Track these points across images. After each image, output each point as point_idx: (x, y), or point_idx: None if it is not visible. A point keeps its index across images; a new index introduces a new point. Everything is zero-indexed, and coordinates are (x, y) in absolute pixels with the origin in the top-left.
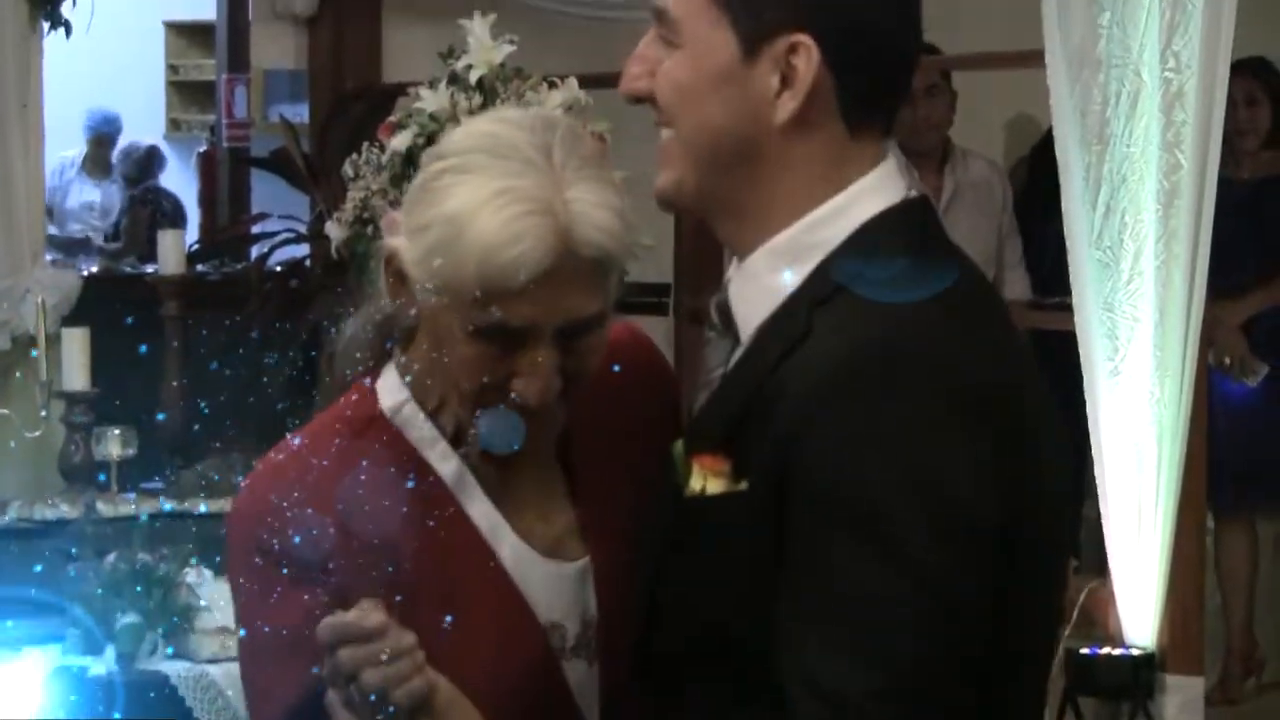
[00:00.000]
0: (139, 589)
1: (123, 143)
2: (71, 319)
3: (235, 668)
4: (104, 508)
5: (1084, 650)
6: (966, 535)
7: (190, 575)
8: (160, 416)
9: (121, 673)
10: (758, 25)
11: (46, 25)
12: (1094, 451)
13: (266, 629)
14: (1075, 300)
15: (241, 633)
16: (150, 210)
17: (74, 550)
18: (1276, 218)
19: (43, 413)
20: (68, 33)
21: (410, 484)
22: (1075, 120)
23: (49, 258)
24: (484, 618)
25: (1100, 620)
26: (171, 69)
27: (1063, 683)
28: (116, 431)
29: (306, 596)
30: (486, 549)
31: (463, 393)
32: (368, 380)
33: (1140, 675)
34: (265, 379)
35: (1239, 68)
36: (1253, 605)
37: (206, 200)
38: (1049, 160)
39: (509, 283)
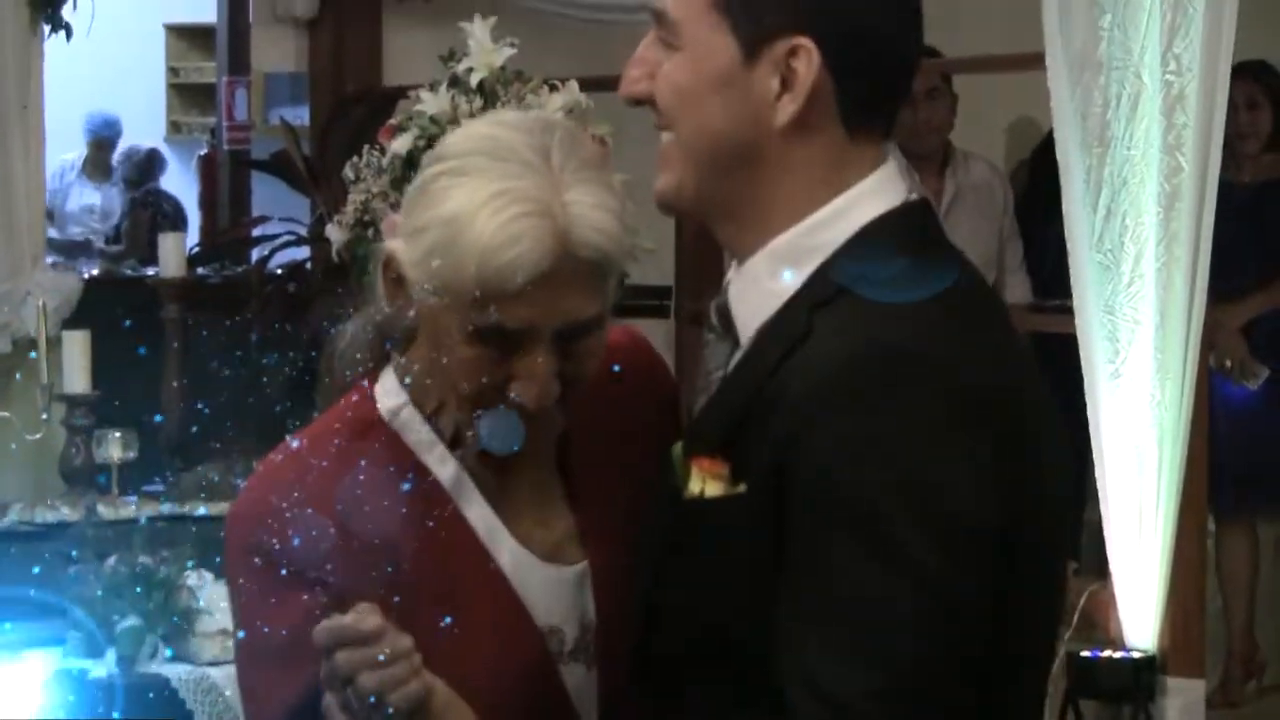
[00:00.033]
0: (139, 592)
1: (123, 145)
2: (72, 322)
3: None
4: (104, 510)
5: (1085, 653)
6: (966, 537)
7: (191, 578)
8: (161, 419)
9: (122, 675)
10: (758, 28)
11: (47, 28)
12: (1095, 454)
13: (264, 631)
14: (1076, 303)
15: (239, 635)
16: (151, 213)
17: (74, 553)
18: (1277, 221)
19: (43, 415)
20: (68, 35)
21: (408, 487)
22: (1076, 123)
23: (49, 260)
24: (482, 622)
25: (1101, 623)
26: (172, 71)
27: (1064, 685)
28: (117, 434)
29: (305, 599)
30: (484, 553)
31: (461, 395)
32: (366, 383)
33: (1141, 678)
34: (266, 381)
35: (1240, 71)
36: (1254, 608)
37: (207, 203)
38: (1050, 163)
39: (507, 284)
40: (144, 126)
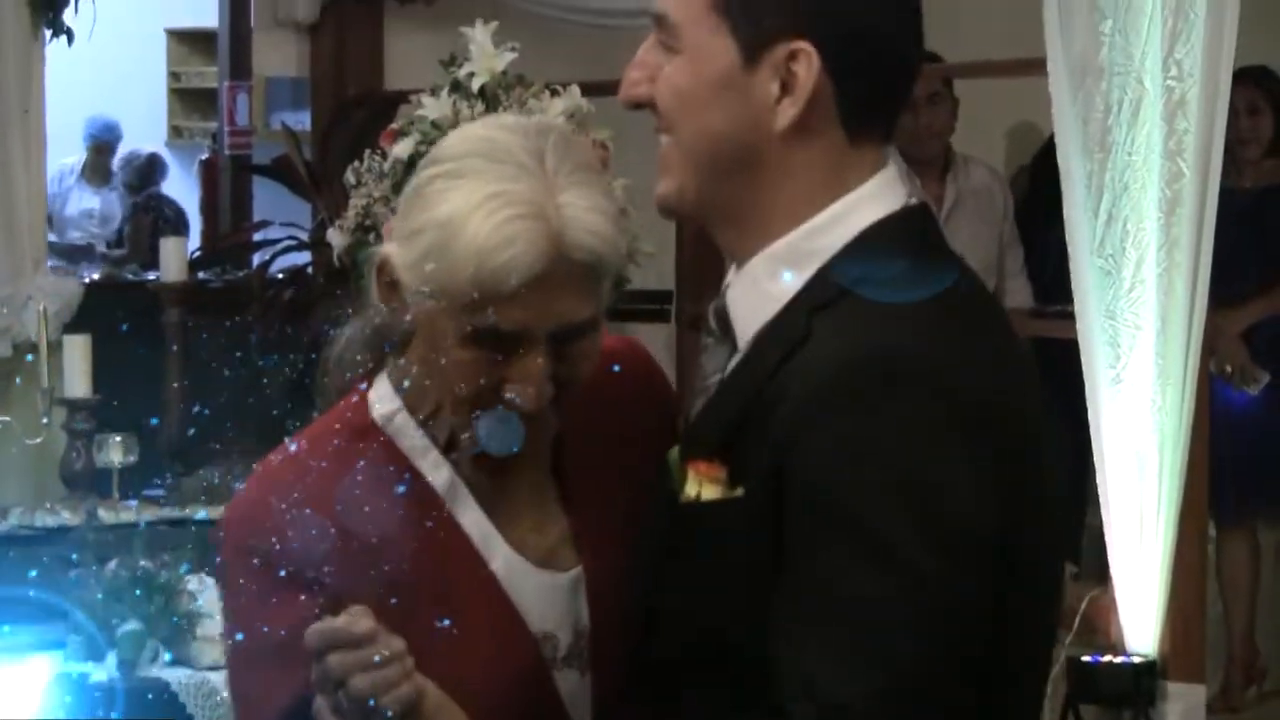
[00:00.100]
0: (140, 595)
1: (124, 150)
2: (73, 326)
3: None
4: (105, 514)
5: (1085, 658)
6: (965, 539)
7: (191, 582)
8: (161, 423)
9: (123, 679)
10: (758, 32)
11: (48, 32)
12: (1096, 459)
13: (258, 634)
14: (1077, 308)
15: (233, 638)
16: (153, 217)
17: (75, 557)
18: (1278, 226)
19: (44, 420)
20: (70, 40)
21: (402, 492)
22: (1077, 128)
23: (50, 265)
24: (475, 627)
25: (1102, 628)
26: (173, 76)
27: (1064, 690)
28: (118, 438)
29: (299, 603)
30: (478, 558)
31: (456, 399)
32: (365, 386)
33: (1142, 683)
34: (266, 386)
35: (1241, 76)
36: (1254, 613)
37: (208, 208)
38: (1051, 168)
39: (501, 286)
40: (145, 131)
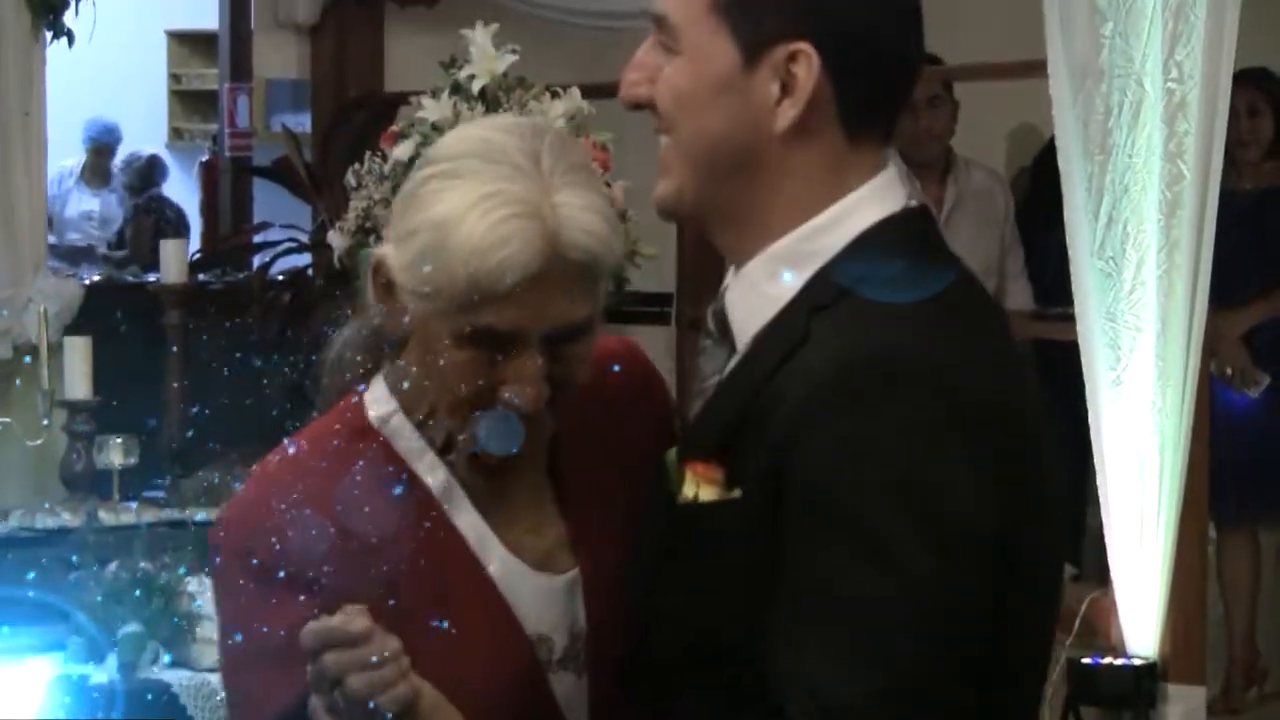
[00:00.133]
0: (140, 597)
1: (124, 152)
2: (73, 328)
3: None
4: (105, 516)
5: (1086, 660)
6: (965, 539)
7: (192, 584)
8: (162, 425)
9: (123, 681)
10: (757, 33)
11: (49, 34)
12: (1096, 461)
13: (253, 636)
14: (1077, 310)
15: (226, 640)
16: (154, 219)
17: (75, 558)
18: (1278, 228)
19: (44, 421)
20: (70, 42)
21: (398, 495)
22: (1077, 130)
23: (52, 266)
24: (470, 629)
25: (1102, 630)
26: (173, 78)
27: (1065, 692)
28: (118, 440)
29: (294, 605)
30: (474, 560)
31: (451, 401)
32: (362, 388)
33: (1142, 685)
34: (267, 388)
35: (1241, 78)
36: (1255, 615)
37: (208, 209)
38: (1051, 170)
39: (496, 286)
40: (145, 133)
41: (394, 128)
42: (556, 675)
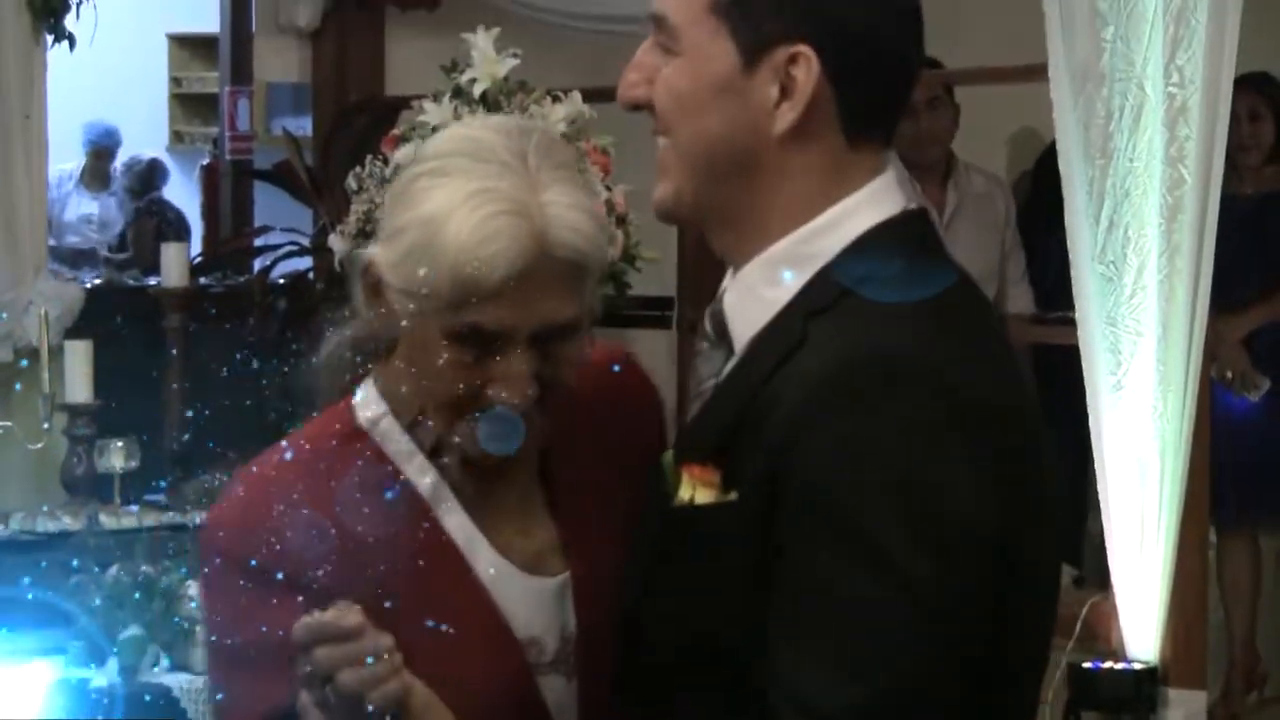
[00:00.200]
0: (141, 600)
1: (125, 155)
2: (74, 331)
3: None
4: (106, 520)
5: (1086, 664)
6: (961, 546)
7: (192, 587)
8: (163, 428)
9: (124, 684)
10: (757, 35)
11: (50, 37)
12: (1097, 465)
13: (239, 639)
14: (1078, 314)
15: (213, 641)
16: (156, 221)
17: (76, 562)
18: (1279, 233)
19: (45, 425)
20: (71, 45)
21: (387, 497)
22: (1078, 134)
23: (53, 269)
24: (460, 631)
25: (1103, 634)
26: (174, 81)
27: (1065, 696)
28: (119, 444)
29: (282, 609)
30: (463, 562)
31: (440, 402)
32: (359, 390)
33: (1142, 689)
34: (268, 391)
35: (1242, 83)
36: (1255, 619)
37: (209, 213)
38: (1052, 174)
39: (484, 282)
40: (146, 136)
41: (395, 131)
42: (546, 678)
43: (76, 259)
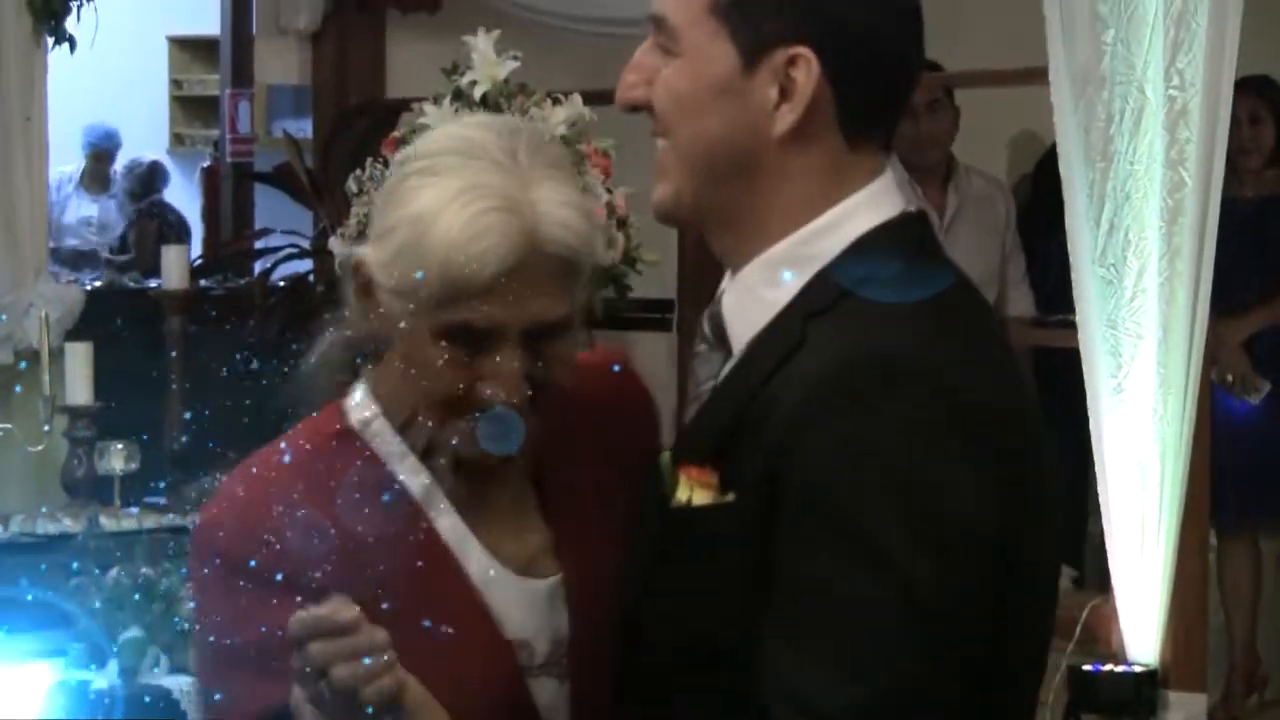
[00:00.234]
0: (141, 603)
1: (125, 158)
2: (75, 333)
3: None
4: (107, 522)
5: (1086, 667)
6: (961, 547)
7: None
8: (163, 430)
9: (124, 687)
10: (757, 37)
11: (50, 40)
12: (1097, 468)
13: (229, 640)
14: (1079, 317)
15: (202, 642)
16: (158, 223)
17: (76, 564)
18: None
19: (45, 427)
20: (72, 47)
21: (378, 498)
22: (1079, 137)
23: (54, 270)
24: (450, 632)
25: (1103, 637)
26: (175, 84)
27: (1065, 699)
28: (119, 446)
29: (272, 608)
30: (454, 563)
31: (432, 402)
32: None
33: (1143, 692)
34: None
35: (1243, 86)
36: (1255, 622)
37: (210, 215)
38: (1052, 177)
39: (474, 279)
40: (146, 139)
41: (395, 134)
42: (538, 681)
43: (77, 261)
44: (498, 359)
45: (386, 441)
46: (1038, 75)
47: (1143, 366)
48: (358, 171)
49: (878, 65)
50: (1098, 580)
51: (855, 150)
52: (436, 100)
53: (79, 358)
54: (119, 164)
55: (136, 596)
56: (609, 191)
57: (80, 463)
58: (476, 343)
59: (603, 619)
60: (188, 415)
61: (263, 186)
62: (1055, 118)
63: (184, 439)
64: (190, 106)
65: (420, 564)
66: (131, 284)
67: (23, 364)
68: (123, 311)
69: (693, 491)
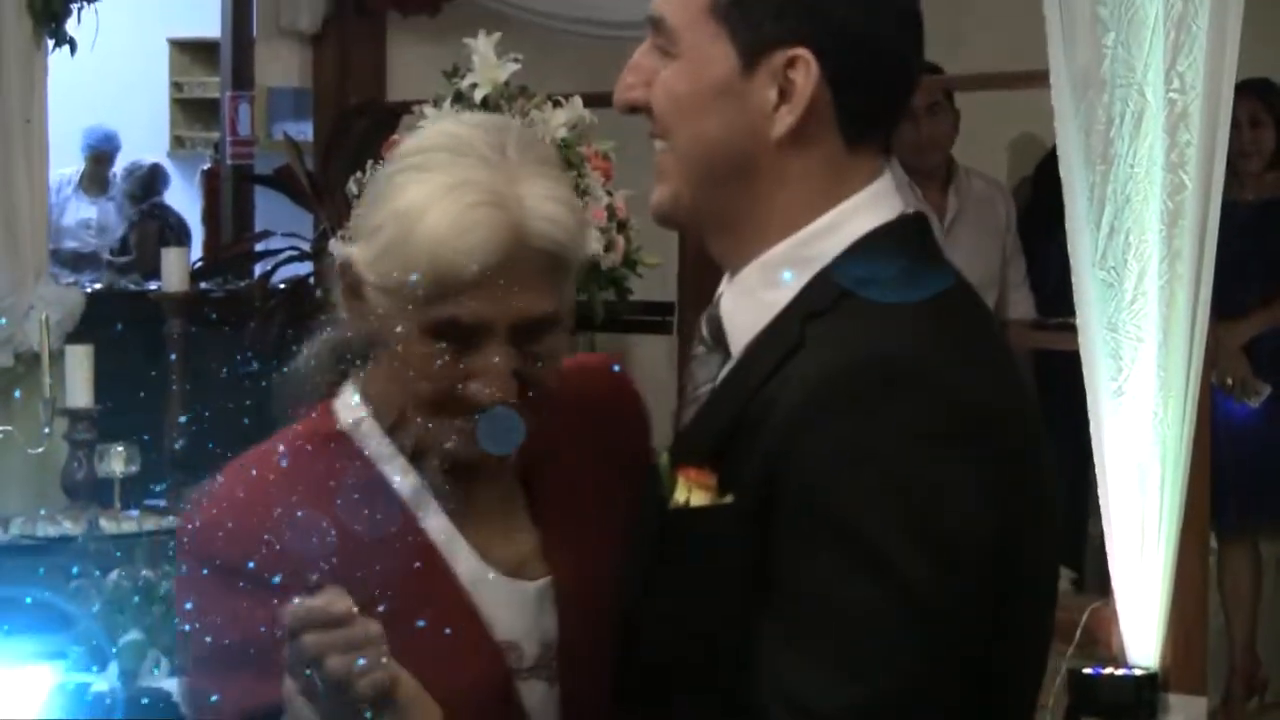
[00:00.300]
0: (141, 605)
1: (126, 160)
2: (75, 336)
3: None
4: (107, 524)
5: (1087, 670)
6: (960, 548)
7: None
8: (162, 432)
9: (124, 689)
10: (756, 38)
11: (51, 42)
12: (1097, 471)
13: (216, 642)
14: (1079, 320)
15: (190, 642)
16: (159, 225)
17: (76, 567)
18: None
19: (46, 429)
20: (72, 50)
21: (367, 499)
22: (1079, 140)
23: (54, 271)
24: (437, 633)
25: (1103, 640)
26: (175, 86)
27: (1065, 702)
28: (120, 448)
29: (260, 609)
30: (443, 565)
31: (420, 401)
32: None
33: (1143, 695)
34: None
35: (1243, 89)
36: (1256, 625)
37: (210, 218)
38: (1053, 179)
39: (461, 274)
40: (147, 141)
41: (396, 136)
42: (526, 683)
43: (77, 263)
44: (486, 356)
45: (375, 442)
46: (1038, 78)
47: (1143, 369)
48: (358, 174)
49: (877, 67)
50: (1098, 583)
51: (854, 152)
52: (437, 103)
53: (79, 360)
54: (119, 166)
55: (136, 599)
56: (609, 194)
57: (80, 465)
58: (465, 340)
59: (592, 621)
60: (188, 418)
61: (263, 189)
62: (1055, 121)
63: (184, 441)
64: (190, 109)
65: (409, 565)
66: (132, 286)
67: (20, 367)
68: (123, 314)
69: (691, 493)
